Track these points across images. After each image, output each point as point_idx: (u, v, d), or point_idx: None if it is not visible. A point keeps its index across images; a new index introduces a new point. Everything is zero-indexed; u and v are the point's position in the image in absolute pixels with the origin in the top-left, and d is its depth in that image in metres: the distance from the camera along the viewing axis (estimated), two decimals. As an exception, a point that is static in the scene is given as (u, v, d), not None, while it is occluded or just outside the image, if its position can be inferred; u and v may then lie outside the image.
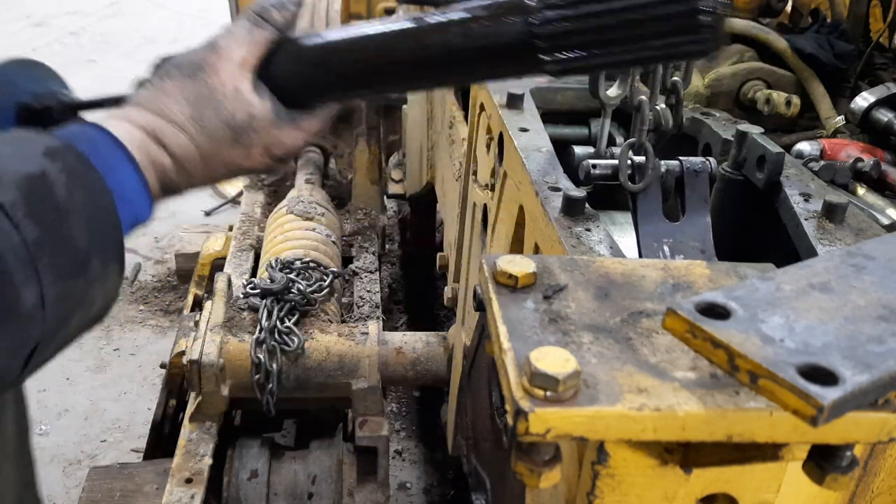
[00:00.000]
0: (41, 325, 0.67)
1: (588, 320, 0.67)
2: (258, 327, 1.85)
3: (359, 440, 1.88)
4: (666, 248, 0.92)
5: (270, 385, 1.83)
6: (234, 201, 4.33)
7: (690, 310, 0.54)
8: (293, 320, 1.90)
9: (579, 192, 1.04)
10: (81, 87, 1.05)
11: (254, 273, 2.48)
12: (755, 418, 0.58)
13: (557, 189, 1.08)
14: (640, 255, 0.92)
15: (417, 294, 3.55)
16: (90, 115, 0.93)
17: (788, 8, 2.30)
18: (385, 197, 3.25)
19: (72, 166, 0.72)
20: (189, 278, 2.89)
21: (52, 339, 0.69)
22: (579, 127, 1.57)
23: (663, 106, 1.09)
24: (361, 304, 2.39)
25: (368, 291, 2.46)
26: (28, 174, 0.68)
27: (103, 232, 0.73)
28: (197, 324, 1.95)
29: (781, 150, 1.14)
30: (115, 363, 3.20)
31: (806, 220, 1.06)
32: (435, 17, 0.79)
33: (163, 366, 2.63)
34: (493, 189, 1.46)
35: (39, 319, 0.66)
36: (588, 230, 1.01)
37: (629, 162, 1.02)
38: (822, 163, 1.41)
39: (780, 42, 1.92)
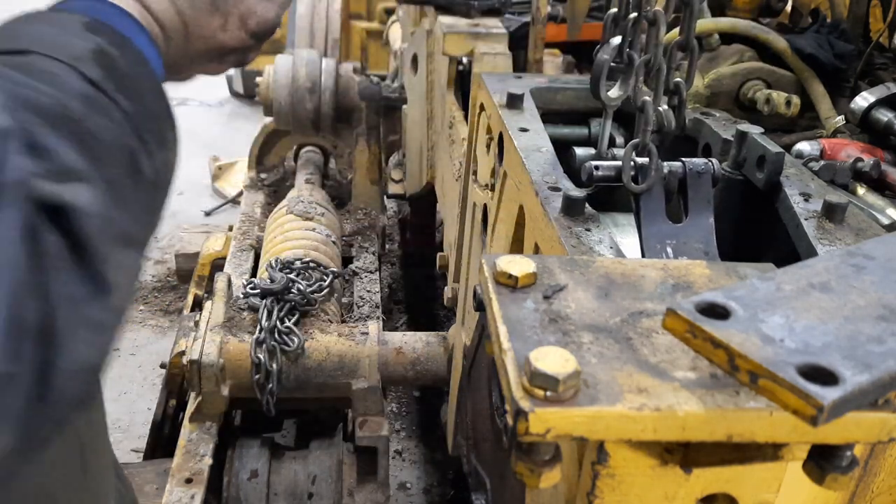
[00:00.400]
0: (164, 193, 0.66)
1: (588, 320, 0.67)
2: (258, 327, 1.85)
3: (359, 440, 1.88)
4: (669, 250, 0.92)
5: (270, 385, 1.83)
6: (234, 201, 4.33)
7: (690, 310, 0.54)
8: (293, 320, 1.90)
9: (579, 193, 1.04)
10: None
11: (254, 273, 2.48)
12: (755, 418, 0.58)
13: (557, 189, 1.08)
14: (644, 257, 0.92)
15: (417, 294, 3.55)
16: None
17: (788, 8, 2.30)
18: (385, 197, 3.25)
19: (113, 39, 0.70)
20: (189, 278, 2.90)
21: (163, 209, 0.69)
22: (579, 127, 1.57)
23: (666, 107, 1.09)
24: (361, 304, 2.39)
25: (368, 291, 2.46)
26: (93, 50, 0.66)
27: (163, 99, 0.72)
28: (197, 324, 1.95)
29: (781, 149, 1.14)
30: (114, 363, 3.20)
31: (806, 219, 1.06)
32: None
33: (163, 366, 2.64)
34: (493, 189, 1.46)
35: (161, 188, 0.66)
36: (588, 230, 1.01)
37: (632, 163, 1.02)
38: (822, 163, 1.41)
39: (780, 42, 1.92)
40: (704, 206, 0.94)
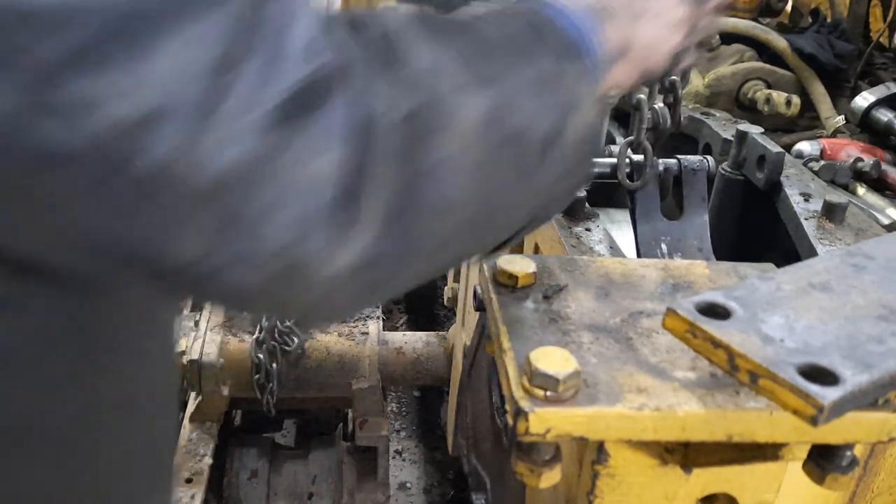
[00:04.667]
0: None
1: (588, 320, 0.67)
2: (258, 327, 1.85)
3: (359, 440, 1.88)
4: (664, 246, 0.92)
5: (270, 385, 1.83)
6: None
7: (690, 310, 0.54)
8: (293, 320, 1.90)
9: (579, 193, 1.04)
10: None
11: (254, 273, 2.47)
12: (755, 418, 0.58)
13: (557, 189, 1.08)
14: (638, 253, 0.93)
15: (417, 294, 3.55)
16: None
17: (788, 8, 2.30)
18: (385, 197, 3.24)
19: None
20: (189, 278, 2.89)
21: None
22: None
23: (661, 105, 1.09)
24: (361, 303, 2.38)
25: (368, 291, 2.46)
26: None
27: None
28: (197, 324, 1.95)
29: (781, 149, 1.14)
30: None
31: (806, 219, 1.06)
32: None
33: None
34: (493, 189, 1.46)
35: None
36: (588, 230, 1.01)
37: (627, 160, 1.02)
38: (822, 162, 1.42)
39: (780, 42, 1.92)
40: (699, 203, 0.94)
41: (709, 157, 1.05)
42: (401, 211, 0.52)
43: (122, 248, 0.48)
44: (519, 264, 0.70)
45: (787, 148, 1.51)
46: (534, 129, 0.60)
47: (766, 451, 0.63)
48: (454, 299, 2.03)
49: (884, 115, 1.63)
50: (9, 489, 0.61)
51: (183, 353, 1.85)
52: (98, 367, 0.62)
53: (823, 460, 0.60)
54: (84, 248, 0.49)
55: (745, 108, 1.78)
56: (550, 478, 0.60)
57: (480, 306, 0.74)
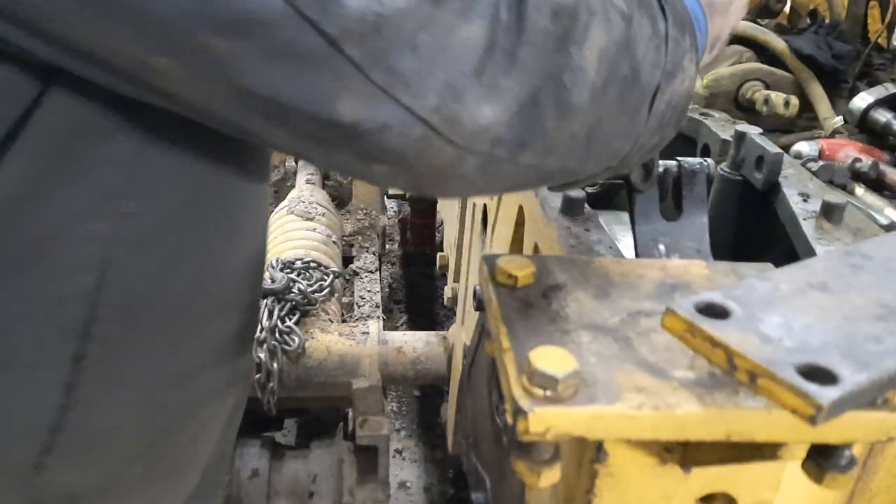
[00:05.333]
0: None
1: (587, 320, 0.67)
2: (259, 327, 1.85)
3: (359, 439, 1.88)
4: (662, 247, 0.92)
5: (271, 384, 1.83)
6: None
7: (689, 309, 0.55)
8: (294, 320, 1.90)
9: (578, 193, 1.04)
10: None
11: (254, 273, 2.47)
12: (754, 417, 0.58)
13: (557, 189, 1.08)
14: (637, 254, 0.93)
15: (417, 294, 3.55)
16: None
17: (787, 9, 2.30)
18: (385, 197, 3.25)
19: None
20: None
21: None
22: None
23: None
24: (362, 303, 2.39)
25: (369, 291, 2.46)
26: None
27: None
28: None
29: (780, 150, 1.14)
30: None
31: (804, 219, 1.06)
32: None
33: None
34: (492, 189, 1.46)
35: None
36: (587, 230, 1.01)
37: None
38: (821, 163, 1.42)
39: (778, 43, 1.92)
40: (699, 205, 0.94)
41: (709, 160, 1.05)
42: (534, 99, 0.57)
43: (294, 106, 0.52)
44: (518, 264, 0.71)
45: (786, 148, 1.51)
46: (648, 74, 0.65)
47: (764, 451, 0.64)
48: (454, 299, 2.03)
49: (882, 116, 1.63)
50: (128, 360, 0.66)
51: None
52: (210, 240, 0.68)
53: (822, 460, 0.60)
54: (255, 106, 0.52)
55: (744, 109, 1.78)
56: (550, 477, 0.60)
57: (480, 306, 0.74)
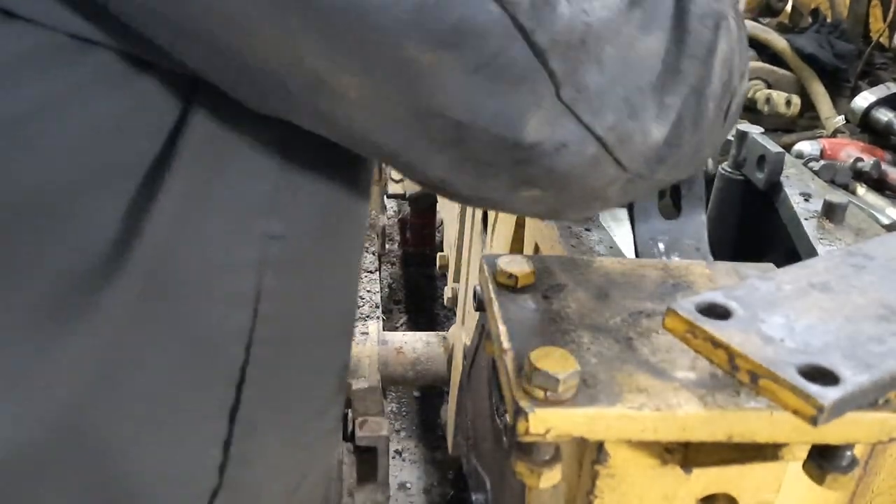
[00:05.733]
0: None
1: (588, 320, 0.67)
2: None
3: (359, 440, 1.88)
4: (661, 245, 0.92)
5: (270, 385, 1.83)
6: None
7: (690, 309, 0.54)
8: (293, 320, 1.90)
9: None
10: None
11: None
12: (755, 418, 0.58)
13: (557, 189, 1.08)
14: (637, 253, 0.93)
15: (417, 294, 3.55)
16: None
17: (788, 8, 2.30)
18: (385, 197, 3.25)
19: None
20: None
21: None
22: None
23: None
24: (361, 303, 2.39)
25: (368, 291, 2.46)
26: None
27: None
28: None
29: (781, 149, 1.14)
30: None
31: (806, 219, 1.06)
32: None
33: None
34: (493, 189, 1.46)
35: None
36: (587, 230, 1.01)
37: None
38: (822, 162, 1.41)
39: (780, 42, 1.92)
40: (697, 203, 0.93)
41: (708, 159, 1.05)
42: (690, 109, 0.55)
43: (478, 127, 0.49)
44: (519, 264, 0.70)
45: (787, 148, 1.51)
46: (736, 77, 0.61)
47: (766, 452, 0.63)
48: (454, 299, 2.03)
49: (884, 115, 1.63)
50: (276, 402, 0.63)
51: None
52: (343, 260, 0.68)
53: (824, 460, 0.60)
54: (429, 130, 0.50)
55: (745, 108, 1.78)
56: (550, 478, 0.60)
57: (480, 306, 0.74)
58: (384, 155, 0.55)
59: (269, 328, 0.59)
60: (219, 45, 0.46)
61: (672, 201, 1.01)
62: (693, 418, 0.57)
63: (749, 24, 1.96)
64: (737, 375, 0.51)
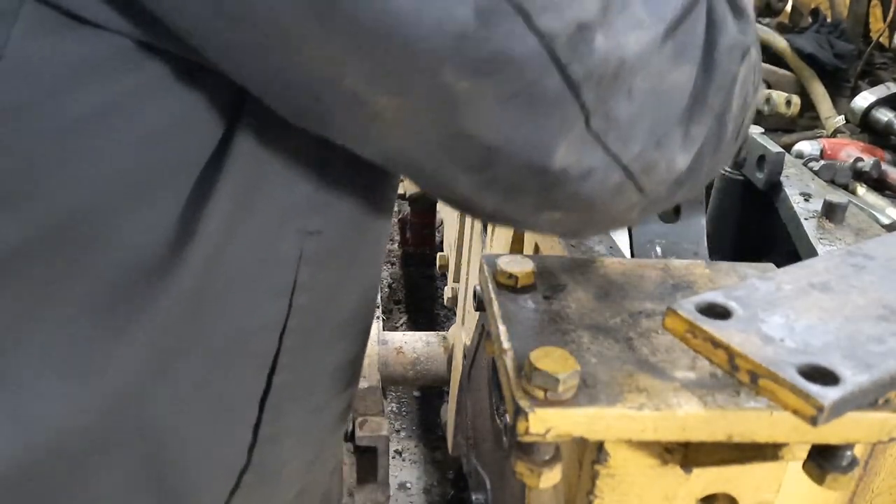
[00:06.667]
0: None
1: (588, 320, 0.67)
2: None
3: (359, 440, 1.88)
4: (658, 249, 0.91)
5: (270, 385, 1.83)
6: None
7: (690, 309, 0.54)
8: (293, 320, 1.90)
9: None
10: None
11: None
12: (755, 418, 0.58)
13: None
14: (633, 254, 0.92)
15: (417, 294, 3.55)
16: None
17: (788, 7, 2.30)
18: (385, 197, 3.23)
19: None
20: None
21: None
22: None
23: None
24: (361, 303, 2.38)
25: (368, 291, 2.46)
26: None
27: None
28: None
29: (781, 149, 1.14)
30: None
31: (806, 219, 1.06)
32: None
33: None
34: (493, 189, 1.46)
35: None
36: (588, 230, 1.01)
37: None
38: (823, 162, 1.41)
39: (779, 42, 1.92)
40: (697, 207, 0.93)
41: None
42: (712, 135, 0.56)
43: (509, 152, 0.50)
44: (519, 264, 0.70)
45: (787, 148, 1.51)
46: (751, 97, 0.62)
47: (766, 451, 0.63)
48: (454, 299, 2.03)
49: (884, 115, 1.63)
50: (302, 387, 0.67)
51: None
52: (370, 252, 0.70)
53: (823, 460, 0.60)
54: (460, 152, 0.51)
55: (745, 108, 1.78)
56: (550, 478, 0.60)
57: (480, 306, 0.74)
58: (412, 172, 0.57)
59: (301, 319, 0.62)
60: (263, 61, 0.47)
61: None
62: (693, 418, 0.57)
63: (749, 24, 1.96)
64: (737, 375, 0.51)
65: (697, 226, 0.92)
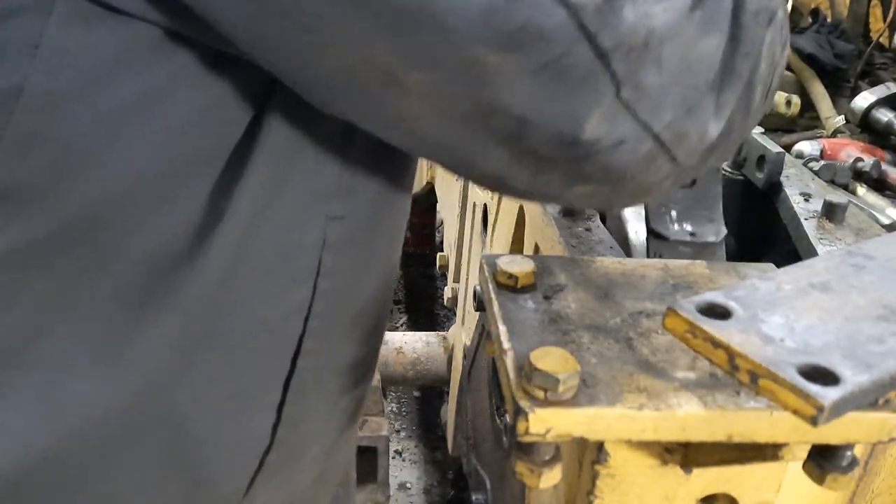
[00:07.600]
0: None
1: (588, 320, 0.67)
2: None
3: (359, 440, 1.88)
4: (673, 213, 0.90)
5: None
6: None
7: (690, 309, 0.54)
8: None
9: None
10: None
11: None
12: (755, 418, 0.58)
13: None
14: (647, 218, 0.91)
15: (417, 294, 3.55)
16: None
17: (788, 7, 2.30)
18: (385, 197, 3.23)
19: None
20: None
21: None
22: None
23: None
24: (361, 304, 2.38)
25: (368, 291, 2.46)
26: None
27: None
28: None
29: (781, 149, 1.14)
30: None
31: (806, 219, 1.06)
32: None
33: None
34: (493, 189, 1.46)
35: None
36: (588, 230, 1.01)
37: None
38: (823, 162, 1.41)
39: (780, 42, 1.91)
40: (713, 173, 0.92)
41: None
42: (742, 101, 0.56)
43: (540, 125, 0.50)
44: (519, 264, 0.70)
45: (787, 148, 1.51)
46: (781, 53, 0.61)
47: (766, 452, 0.63)
48: (454, 299, 2.03)
49: (884, 115, 1.63)
50: (324, 371, 0.69)
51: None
52: (390, 237, 0.73)
53: (823, 460, 0.60)
54: (492, 126, 0.51)
55: (745, 108, 1.78)
56: (550, 478, 0.60)
57: (480, 306, 0.74)
58: (442, 152, 0.57)
59: (325, 303, 0.63)
60: (295, 45, 0.48)
61: None
62: (693, 418, 0.57)
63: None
64: (737, 375, 0.51)
65: (713, 192, 0.92)
